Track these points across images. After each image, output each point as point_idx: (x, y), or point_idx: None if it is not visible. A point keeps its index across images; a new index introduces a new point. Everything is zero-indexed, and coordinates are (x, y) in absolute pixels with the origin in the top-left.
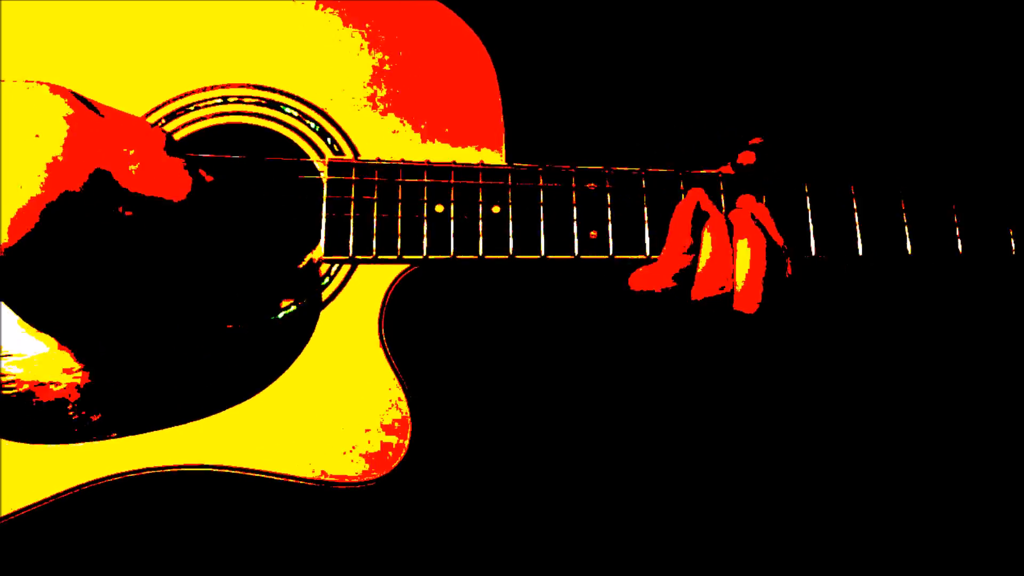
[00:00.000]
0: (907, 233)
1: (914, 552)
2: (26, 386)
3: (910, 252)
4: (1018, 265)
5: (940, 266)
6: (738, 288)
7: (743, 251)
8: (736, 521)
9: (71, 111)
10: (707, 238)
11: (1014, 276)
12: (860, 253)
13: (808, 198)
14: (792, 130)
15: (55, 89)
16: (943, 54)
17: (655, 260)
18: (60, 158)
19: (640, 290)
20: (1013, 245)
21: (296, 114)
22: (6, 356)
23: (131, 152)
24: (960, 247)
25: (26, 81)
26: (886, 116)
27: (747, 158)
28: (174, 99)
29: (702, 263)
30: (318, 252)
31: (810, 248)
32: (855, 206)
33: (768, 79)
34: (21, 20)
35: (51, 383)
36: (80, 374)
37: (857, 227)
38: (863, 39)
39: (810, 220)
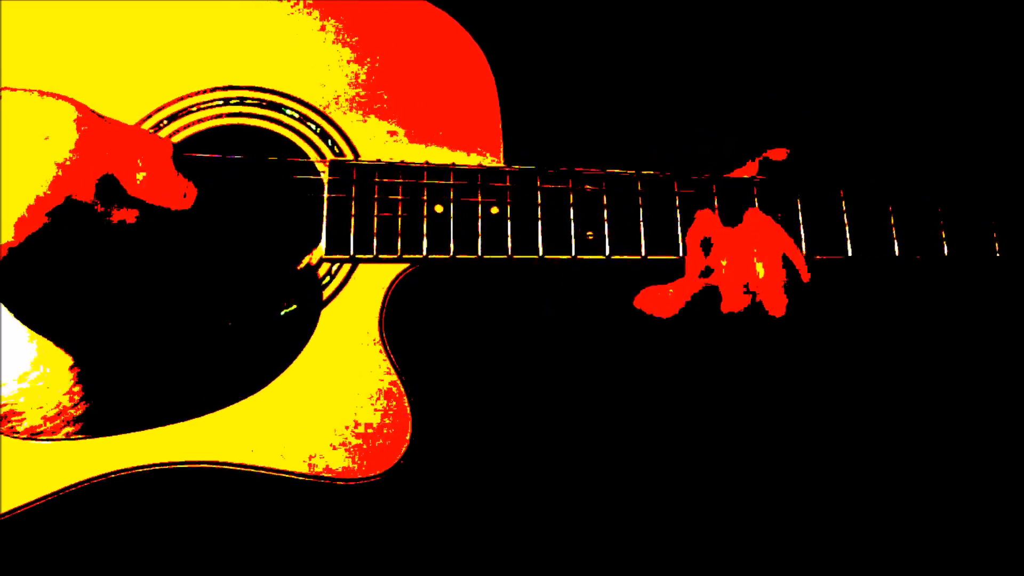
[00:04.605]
0: (894, 235)
1: (909, 553)
2: (24, 399)
3: (897, 253)
4: (1002, 266)
5: (927, 267)
6: (765, 298)
7: (759, 265)
8: (735, 521)
9: (80, 115)
10: (725, 260)
11: (999, 277)
12: (849, 254)
13: (799, 201)
14: (784, 135)
15: (63, 97)
16: (929, 61)
17: (649, 260)
18: (68, 161)
19: (651, 312)
20: (997, 247)
21: (297, 116)
22: (7, 368)
23: (139, 161)
24: (946, 249)
25: (37, 91)
26: (874, 121)
27: (778, 154)
28: (176, 100)
29: (726, 282)
30: (319, 252)
31: (801, 249)
32: (844, 209)
33: (761, 85)
34: (22, 21)
35: (51, 389)
36: (81, 371)
37: (847, 229)
38: (853, 47)
39: (801, 223)
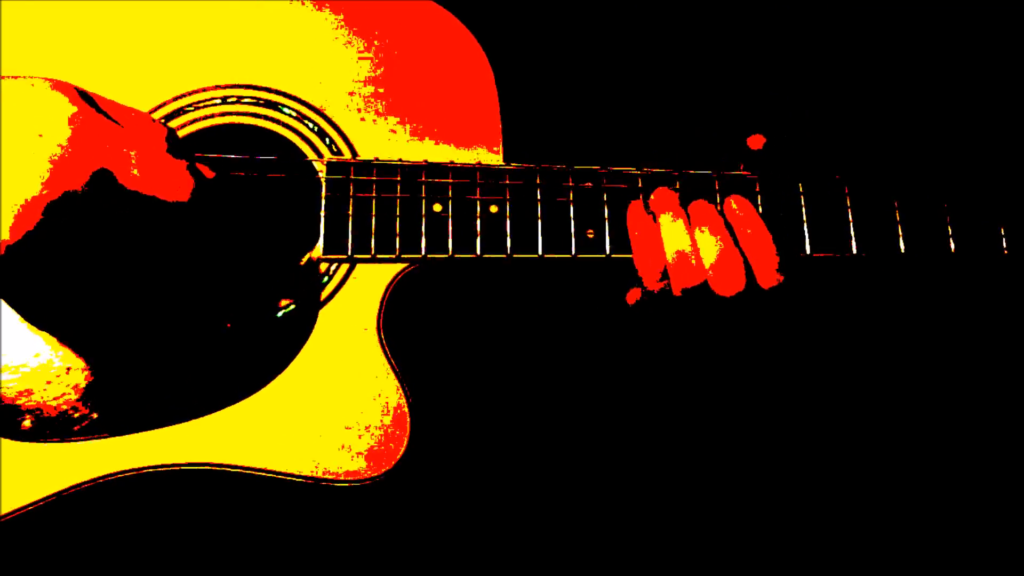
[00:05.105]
0: (900, 232)
1: (909, 552)
2: (23, 400)
3: (903, 250)
4: (1010, 263)
5: (933, 264)
6: (711, 275)
7: (704, 239)
8: (733, 521)
9: (74, 109)
10: (665, 234)
11: (1006, 274)
12: (854, 252)
13: (803, 197)
14: (787, 130)
15: (57, 85)
16: (935, 55)
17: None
18: (63, 157)
19: (636, 301)
20: (1005, 244)
21: (294, 114)
22: (6, 369)
23: (133, 153)
24: (952, 246)
25: (28, 77)
26: (879, 117)
27: (756, 142)
28: (174, 99)
29: (669, 257)
30: (317, 251)
31: (805, 247)
32: (849, 205)
33: (763, 81)
34: (21, 20)
35: (50, 390)
36: (80, 372)
37: (851, 226)
38: (856, 41)
39: (804, 219)
